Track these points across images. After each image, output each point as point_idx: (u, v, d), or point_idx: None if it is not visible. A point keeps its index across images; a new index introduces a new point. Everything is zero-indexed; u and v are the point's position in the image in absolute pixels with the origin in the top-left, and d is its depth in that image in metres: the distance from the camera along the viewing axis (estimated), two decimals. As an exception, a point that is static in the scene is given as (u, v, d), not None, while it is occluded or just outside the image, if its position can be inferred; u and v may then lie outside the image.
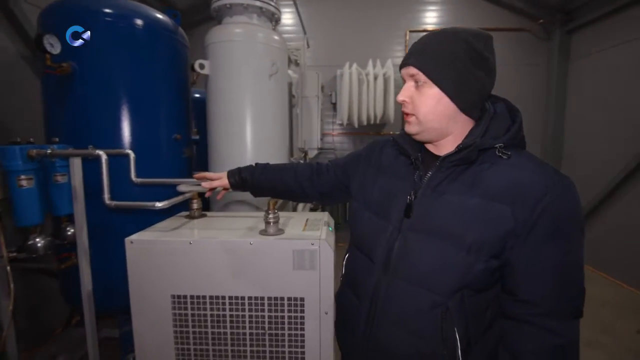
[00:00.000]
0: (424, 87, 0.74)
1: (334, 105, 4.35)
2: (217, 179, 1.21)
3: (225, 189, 1.23)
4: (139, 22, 1.77)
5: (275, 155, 2.02)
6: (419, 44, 0.76)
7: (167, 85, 1.95)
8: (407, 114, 0.78)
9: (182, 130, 2.06)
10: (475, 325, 0.73)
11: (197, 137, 2.35)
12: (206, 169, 2.22)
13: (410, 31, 4.38)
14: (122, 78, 1.75)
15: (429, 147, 0.84)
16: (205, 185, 1.20)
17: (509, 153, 0.71)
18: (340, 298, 1.00)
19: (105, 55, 1.70)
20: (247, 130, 1.90)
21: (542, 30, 4.27)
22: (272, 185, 1.19)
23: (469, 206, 0.70)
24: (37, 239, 1.54)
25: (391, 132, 4.53)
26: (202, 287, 1.28)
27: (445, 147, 0.79)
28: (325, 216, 1.64)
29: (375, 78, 3.93)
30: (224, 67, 1.85)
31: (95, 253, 1.66)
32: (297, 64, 2.86)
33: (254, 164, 1.23)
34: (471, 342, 0.73)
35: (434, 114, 0.74)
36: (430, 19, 4.41)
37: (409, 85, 0.77)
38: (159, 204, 1.41)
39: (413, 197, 0.79)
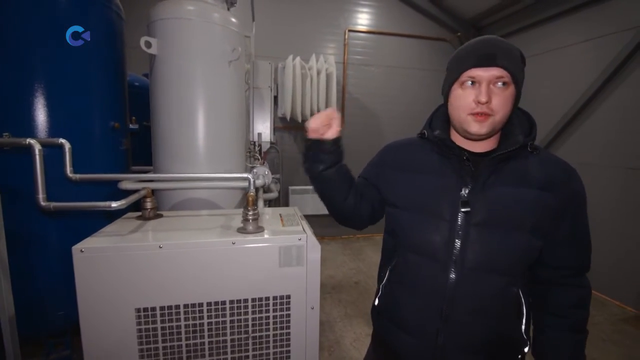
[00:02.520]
0: (508, 89, 0.77)
1: (275, 98, 4.24)
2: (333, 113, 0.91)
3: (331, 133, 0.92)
4: (64, -17, 1.45)
5: (231, 148, 1.88)
6: (502, 47, 0.76)
7: (101, 62, 1.65)
8: (485, 115, 0.76)
9: (120, 118, 1.78)
10: (528, 297, 0.88)
11: (136, 126, 2.05)
12: (148, 162, 1.96)
13: (349, 30, 4.52)
14: (44, 54, 1.42)
15: (463, 143, 0.86)
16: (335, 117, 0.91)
17: (537, 149, 0.83)
18: (392, 306, 0.95)
19: (19, 23, 1.36)
20: (203, 119, 1.72)
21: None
22: (349, 185, 0.98)
23: (521, 195, 0.80)
24: None
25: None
26: (174, 296, 1.13)
27: (482, 144, 0.85)
28: (297, 211, 1.60)
29: (319, 73, 3.96)
30: (177, 47, 1.63)
31: (14, 267, 1.33)
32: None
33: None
34: (528, 312, 0.87)
35: (508, 114, 0.80)
36: (365, 20, 4.61)
37: (492, 86, 0.76)
38: (115, 204, 1.20)
39: (466, 193, 0.81)
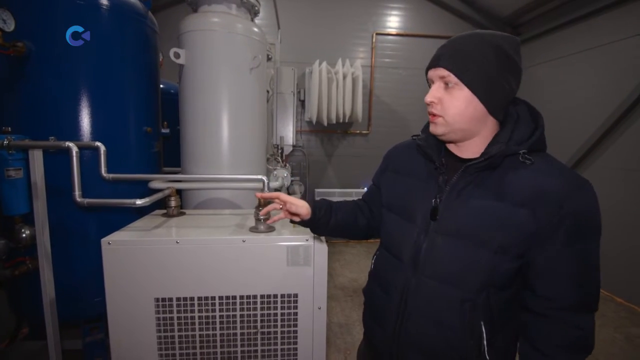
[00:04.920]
0: (455, 89, 0.75)
1: (303, 102, 4.34)
2: (301, 205, 0.98)
3: (298, 218, 1.01)
4: (104, 1, 1.61)
5: (252, 151, 1.97)
6: (449, 46, 0.76)
7: (137, 73, 1.81)
8: (435, 115, 0.78)
9: (152, 123, 1.93)
10: (500, 317, 0.78)
11: (167, 130, 2.21)
12: (177, 165, 2.10)
13: (377, 34, 4.51)
14: (86, 62, 1.59)
15: (451, 147, 0.84)
16: (291, 209, 0.98)
17: (532, 159, 0.73)
18: (369, 294, 1.00)
19: (66, 37, 1.53)
20: (226, 125, 1.83)
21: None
22: (346, 224, 1.05)
23: (495, 211, 0.73)
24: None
25: (358, 131, 4.64)
26: (189, 288, 1.22)
27: (468, 149, 0.81)
28: (310, 213, 1.64)
29: (344, 77, 3.99)
30: (202, 57, 1.75)
31: (56, 257, 1.50)
32: (269, 59, 2.80)
33: (319, 200, 1.05)
34: (495, 333, 0.77)
35: (462, 115, 0.75)
36: (394, 23, 4.57)
37: (438, 86, 0.77)
38: (139, 201, 1.31)
39: (438, 201, 0.81)
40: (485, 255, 0.74)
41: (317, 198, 4.46)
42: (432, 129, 0.81)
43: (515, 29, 4.59)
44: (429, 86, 0.81)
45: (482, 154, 0.76)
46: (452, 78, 0.74)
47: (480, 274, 0.75)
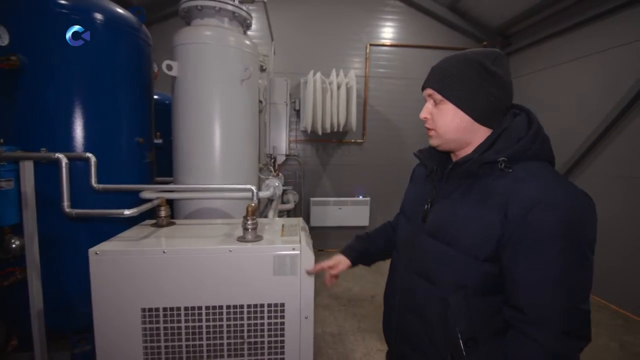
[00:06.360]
0: (441, 104, 0.85)
1: (298, 112, 4.38)
2: (335, 264, 1.18)
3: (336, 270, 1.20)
4: (98, 16, 1.65)
5: (244, 162, 1.99)
6: (435, 68, 0.88)
7: (129, 85, 1.84)
8: (429, 129, 0.90)
9: (145, 134, 1.95)
10: (482, 326, 0.78)
11: (160, 141, 2.23)
12: (169, 175, 2.12)
13: (371, 45, 4.59)
14: (79, 75, 1.62)
15: (453, 156, 0.94)
16: (333, 273, 1.17)
17: (511, 167, 0.75)
18: (384, 294, 1.11)
19: (59, 50, 1.56)
20: (218, 135, 1.85)
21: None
22: (385, 249, 1.20)
23: (468, 215, 0.79)
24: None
25: (352, 140, 4.68)
26: (176, 298, 1.22)
27: (461, 157, 0.87)
28: (300, 222, 1.65)
29: (339, 87, 4.04)
30: (194, 69, 1.79)
31: (47, 267, 1.50)
32: (263, 70, 2.85)
33: (356, 237, 1.26)
34: (478, 341, 0.78)
35: (450, 127, 0.84)
36: (387, 34, 4.66)
37: (428, 103, 0.88)
38: (127, 212, 1.33)
39: (429, 205, 0.91)
40: (456, 255, 0.80)
41: (312, 207, 4.48)
42: (430, 141, 0.92)
43: (506, 39, 4.68)
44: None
45: (453, 163, 0.84)
46: (437, 96, 0.85)
47: (452, 272, 0.81)
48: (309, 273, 1.25)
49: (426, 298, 0.86)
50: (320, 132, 4.09)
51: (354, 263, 1.20)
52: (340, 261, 1.17)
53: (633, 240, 3.08)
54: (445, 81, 0.83)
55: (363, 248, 1.20)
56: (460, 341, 0.78)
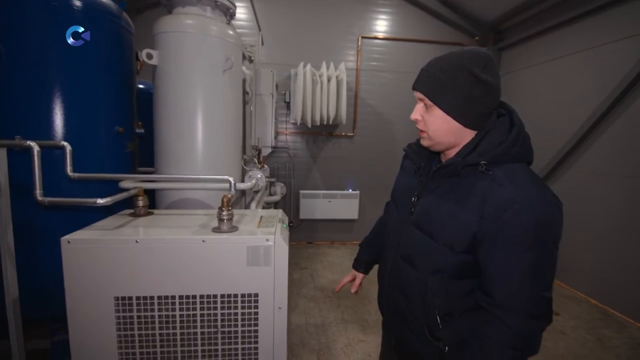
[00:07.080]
0: (432, 109, 0.89)
1: (288, 104, 4.36)
2: (352, 278, 1.39)
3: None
4: (77, 3, 1.62)
5: (226, 153, 1.99)
6: (425, 69, 0.90)
7: (109, 73, 1.81)
8: (421, 131, 0.95)
9: (125, 123, 1.93)
10: (457, 304, 0.90)
11: (142, 130, 2.21)
12: (151, 165, 2.10)
13: (363, 37, 4.56)
14: (57, 64, 1.59)
15: (442, 156, 1.00)
16: (353, 290, 1.38)
17: (491, 170, 0.82)
18: (377, 275, 1.21)
19: (36, 37, 1.53)
20: (199, 126, 1.84)
21: (478, 46, 4.73)
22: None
23: (449, 212, 0.87)
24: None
25: (343, 133, 4.68)
26: (149, 287, 1.23)
27: (449, 157, 0.95)
28: (279, 213, 1.66)
29: (329, 80, 4.02)
30: (175, 58, 1.77)
31: (20, 256, 1.49)
32: (251, 61, 2.82)
33: (360, 247, 1.44)
34: (453, 317, 0.90)
35: (441, 130, 0.89)
36: (380, 27, 4.62)
37: (420, 106, 0.92)
38: (100, 201, 1.33)
39: (416, 198, 0.99)
40: (435, 245, 0.90)
41: (302, 200, 4.49)
42: (422, 142, 0.98)
43: (499, 34, 4.67)
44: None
45: (438, 166, 0.92)
46: (427, 101, 0.89)
47: (430, 259, 0.91)
48: (336, 292, 1.44)
49: (409, 279, 0.97)
50: (309, 125, 4.08)
51: (367, 272, 1.40)
52: (355, 275, 1.39)
53: (608, 235, 3.14)
54: (436, 88, 0.86)
55: (369, 258, 1.38)
56: (437, 317, 0.90)
